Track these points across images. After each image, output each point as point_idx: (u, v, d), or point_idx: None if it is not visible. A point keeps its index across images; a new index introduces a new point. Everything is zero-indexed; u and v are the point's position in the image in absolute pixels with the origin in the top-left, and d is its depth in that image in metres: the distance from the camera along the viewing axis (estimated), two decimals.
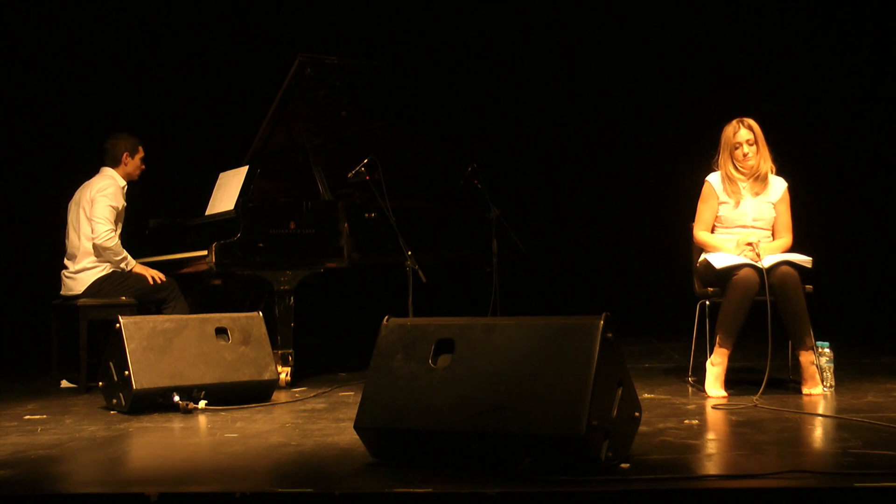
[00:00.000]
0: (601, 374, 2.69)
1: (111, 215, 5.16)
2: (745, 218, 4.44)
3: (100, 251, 5.14)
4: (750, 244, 4.28)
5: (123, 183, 5.31)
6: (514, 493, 2.46)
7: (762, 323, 4.12)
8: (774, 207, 4.48)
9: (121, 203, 5.25)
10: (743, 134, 4.44)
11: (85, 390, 4.91)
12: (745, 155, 4.43)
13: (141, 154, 5.37)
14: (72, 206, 5.31)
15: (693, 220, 4.64)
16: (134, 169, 5.36)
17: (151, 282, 5.16)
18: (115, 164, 5.32)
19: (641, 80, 8.07)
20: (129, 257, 5.21)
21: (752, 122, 4.47)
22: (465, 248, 5.72)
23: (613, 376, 2.79)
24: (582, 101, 8.11)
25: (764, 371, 4.01)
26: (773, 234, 4.49)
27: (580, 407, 2.62)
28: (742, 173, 4.47)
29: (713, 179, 4.52)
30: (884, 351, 5.86)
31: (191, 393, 4.16)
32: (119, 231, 5.23)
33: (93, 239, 5.12)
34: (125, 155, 5.31)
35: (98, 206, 5.14)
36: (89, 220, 5.15)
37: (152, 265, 5.29)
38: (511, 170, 7.71)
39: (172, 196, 6.52)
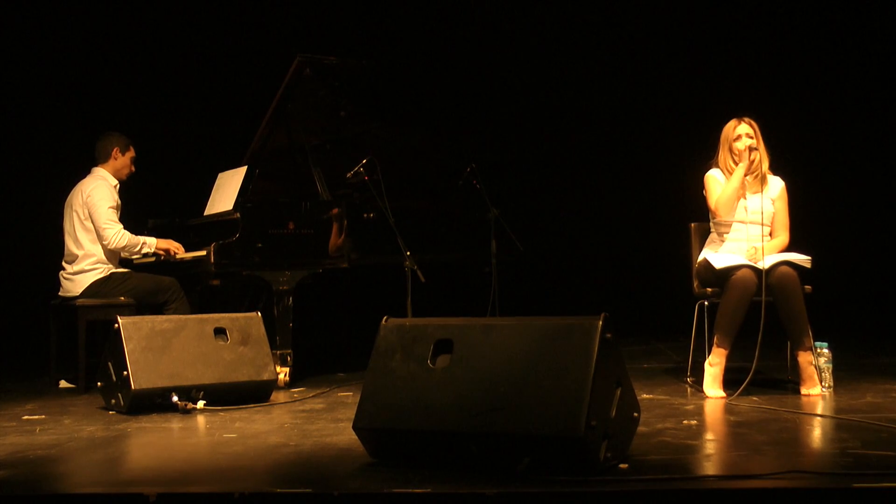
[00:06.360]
0: (600, 375, 2.69)
1: (114, 215, 5.13)
2: (745, 212, 4.44)
3: (119, 253, 5.15)
4: (749, 146, 4.34)
5: (115, 182, 5.24)
6: (513, 493, 2.46)
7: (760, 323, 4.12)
8: (773, 203, 4.48)
9: (116, 200, 5.19)
10: (743, 128, 4.46)
11: (84, 390, 4.90)
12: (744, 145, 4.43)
13: (132, 154, 5.30)
14: (66, 208, 5.26)
15: (693, 221, 4.69)
16: (123, 166, 5.28)
17: (174, 252, 5.14)
18: (105, 160, 5.25)
19: (640, 79, 8.06)
20: (146, 239, 5.17)
21: (751, 120, 4.48)
22: (463, 248, 5.71)
23: (612, 376, 2.79)
24: (581, 100, 8.10)
25: (763, 372, 4.01)
26: (770, 233, 4.49)
27: (579, 407, 2.62)
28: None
29: (714, 172, 4.52)
30: (882, 351, 5.86)
31: (189, 393, 4.15)
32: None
33: (106, 247, 5.10)
34: (115, 150, 5.25)
35: (97, 211, 5.09)
36: (84, 223, 5.10)
37: (151, 266, 5.29)
38: (510, 170, 7.70)
39: (171, 196, 6.51)
